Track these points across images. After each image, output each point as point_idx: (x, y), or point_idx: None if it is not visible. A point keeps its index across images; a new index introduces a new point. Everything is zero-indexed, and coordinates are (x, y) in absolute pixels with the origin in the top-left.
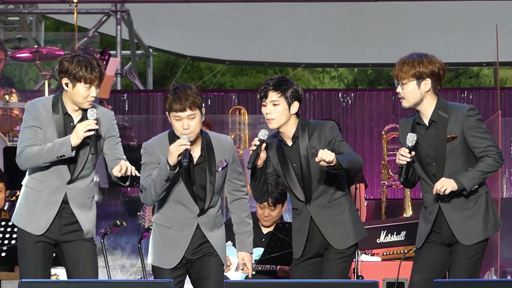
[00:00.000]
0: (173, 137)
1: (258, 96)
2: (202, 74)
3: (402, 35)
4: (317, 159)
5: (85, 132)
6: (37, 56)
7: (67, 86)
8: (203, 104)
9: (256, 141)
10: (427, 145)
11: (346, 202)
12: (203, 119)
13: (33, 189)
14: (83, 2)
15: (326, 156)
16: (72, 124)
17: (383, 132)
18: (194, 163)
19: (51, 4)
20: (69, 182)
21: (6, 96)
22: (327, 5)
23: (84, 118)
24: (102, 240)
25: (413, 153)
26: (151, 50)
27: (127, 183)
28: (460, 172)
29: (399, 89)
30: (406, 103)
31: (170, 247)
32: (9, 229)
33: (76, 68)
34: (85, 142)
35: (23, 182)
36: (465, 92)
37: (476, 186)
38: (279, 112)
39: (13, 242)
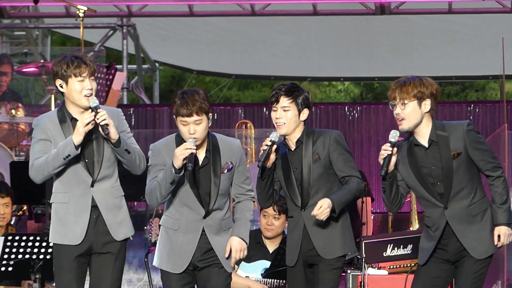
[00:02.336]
0: (180, 140)
1: (270, 101)
2: (208, 88)
3: (408, 49)
4: (312, 213)
5: (85, 126)
6: (43, 71)
7: (61, 87)
8: (210, 109)
9: (267, 141)
10: (429, 165)
11: (341, 214)
12: (210, 124)
13: (60, 203)
14: (89, 16)
15: (321, 216)
16: None
17: None
18: (200, 165)
19: (57, 19)
20: (92, 185)
21: (13, 111)
22: (332, 19)
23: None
24: None
25: (395, 149)
26: (157, 64)
27: (119, 147)
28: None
29: (398, 110)
30: (406, 124)
31: (178, 251)
32: (15, 244)
33: (63, 66)
34: (98, 140)
35: (50, 200)
36: (472, 105)
37: (480, 200)
38: (289, 118)
39: (19, 256)
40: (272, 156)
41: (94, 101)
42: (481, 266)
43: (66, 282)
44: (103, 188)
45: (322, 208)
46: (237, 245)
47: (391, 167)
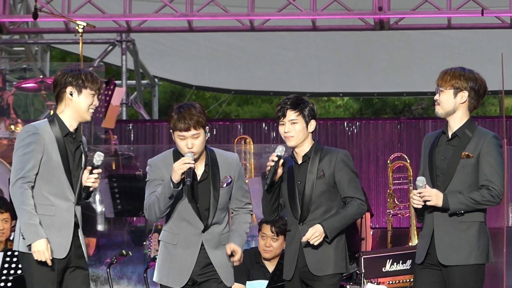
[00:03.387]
0: (177, 155)
1: (276, 115)
2: (208, 103)
3: (407, 64)
4: (303, 239)
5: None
6: (42, 86)
7: (71, 95)
8: (207, 123)
9: (274, 157)
10: (441, 156)
11: (338, 236)
12: (207, 138)
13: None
14: (88, 32)
15: (311, 242)
16: (72, 143)
17: (388, 161)
18: (198, 179)
19: (57, 34)
20: (75, 202)
21: (12, 126)
22: (332, 34)
23: (77, 136)
24: (108, 270)
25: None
26: (156, 79)
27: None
28: (453, 192)
29: (436, 96)
30: (439, 109)
31: (178, 266)
32: (15, 259)
33: (82, 77)
34: (77, 158)
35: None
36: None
37: (473, 212)
38: (297, 131)
39: (19, 272)
40: (280, 171)
41: (99, 159)
42: (468, 278)
43: None
44: (79, 207)
45: (314, 236)
46: (236, 249)
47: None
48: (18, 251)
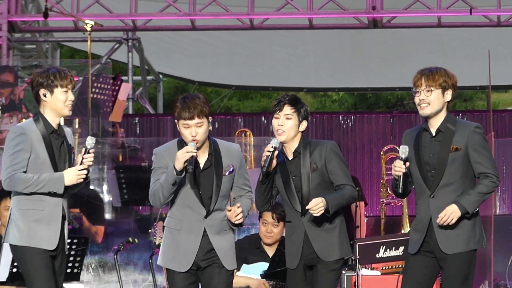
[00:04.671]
0: (181, 144)
1: (272, 109)
2: (210, 98)
3: (400, 60)
4: (307, 207)
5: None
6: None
7: (45, 96)
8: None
9: (269, 148)
10: (429, 152)
11: (338, 219)
12: (210, 128)
13: (36, 210)
14: (96, 30)
15: (314, 211)
16: (57, 140)
17: (381, 153)
18: (201, 168)
19: (66, 33)
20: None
21: (24, 120)
22: (328, 32)
23: (61, 131)
24: (115, 256)
25: (407, 164)
26: (161, 76)
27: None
28: (462, 196)
29: (422, 96)
30: (429, 110)
31: (182, 251)
32: None
33: (51, 77)
34: (68, 154)
35: (24, 207)
36: (460, 114)
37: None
38: (289, 126)
39: None
40: (274, 161)
41: (91, 143)
42: (462, 264)
43: (43, 281)
44: (67, 200)
45: (316, 205)
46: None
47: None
48: (10, 244)
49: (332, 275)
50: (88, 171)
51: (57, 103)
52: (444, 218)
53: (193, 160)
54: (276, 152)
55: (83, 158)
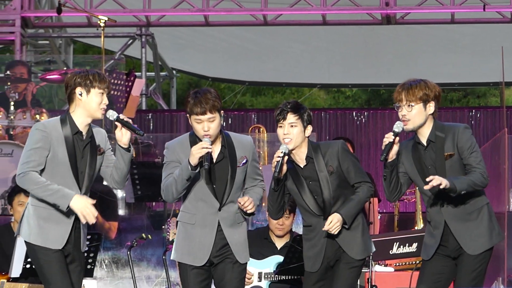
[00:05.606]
0: (194, 139)
1: (275, 118)
2: (223, 94)
3: (413, 57)
4: (323, 228)
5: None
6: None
7: (80, 95)
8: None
9: (279, 153)
10: (428, 164)
11: (360, 217)
12: (221, 122)
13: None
14: (109, 26)
15: (332, 230)
16: (82, 141)
17: None
18: (214, 161)
19: (79, 29)
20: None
21: (37, 116)
22: (341, 28)
23: (87, 134)
24: (128, 252)
25: (397, 138)
26: (174, 71)
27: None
28: (453, 176)
29: (404, 112)
30: (411, 125)
31: (197, 245)
32: None
33: (90, 77)
34: (92, 155)
35: (33, 203)
36: (473, 111)
37: (476, 198)
38: (296, 134)
39: None
40: (284, 167)
41: (113, 115)
42: (479, 263)
43: (57, 276)
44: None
45: (333, 224)
46: (249, 200)
47: (392, 155)
48: (25, 241)
49: (353, 272)
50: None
51: (91, 104)
52: (434, 182)
53: (209, 156)
54: (286, 158)
55: (122, 127)
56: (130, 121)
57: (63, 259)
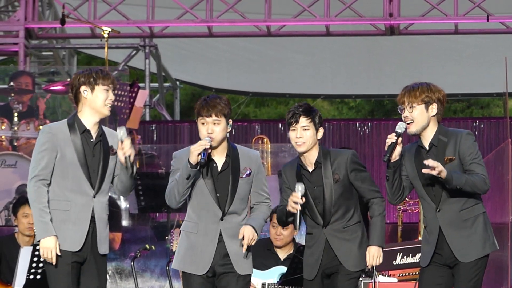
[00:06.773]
0: None
1: (287, 121)
2: None
3: (416, 67)
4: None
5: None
6: (69, 89)
7: (85, 93)
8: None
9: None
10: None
11: (359, 229)
12: (229, 130)
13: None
14: (113, 37)
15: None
16: (91, 140)
17: None
18: (219, 170)
19: (83, 40)
20: (94, 196)
21: (41, 127)
22: (345, 39)
23: (97, 132)
24: (132, 263)
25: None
26: (178, 82)
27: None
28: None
29: (406, 113)
30: (414, 127)
31: (199, 254)
32: None
33: (93, 75)
34: (105, 154)
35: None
36: (477, 121)
37: (472, 206)
38: (308, 136)
39: None
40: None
41: (123, 133)
42: (475, 272)
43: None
44: (101, 201)
45: (438, 164)
46: (249, 233)
47: (395, 156)
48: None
49: (351, 283)
50: (132, 162)
51: (97, 101)
52: (433, 164)
53: (206, 153)
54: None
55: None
56: (132, 153)
57: (74, 271)
